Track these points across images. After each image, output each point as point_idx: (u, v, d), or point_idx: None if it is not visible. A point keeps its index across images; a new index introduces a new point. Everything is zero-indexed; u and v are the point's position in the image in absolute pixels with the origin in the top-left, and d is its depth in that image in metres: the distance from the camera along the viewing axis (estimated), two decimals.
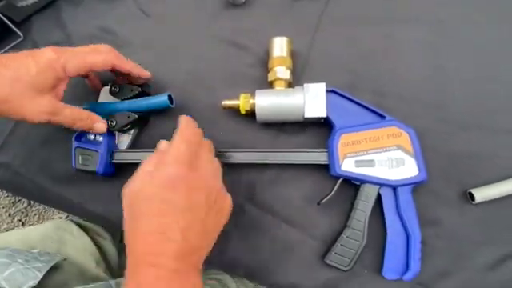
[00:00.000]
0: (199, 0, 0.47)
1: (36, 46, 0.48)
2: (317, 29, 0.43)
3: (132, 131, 0.42)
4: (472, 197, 0.36)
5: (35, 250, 0.38)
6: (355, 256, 0.35)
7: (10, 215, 1.32)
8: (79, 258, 0.43)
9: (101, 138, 0.40)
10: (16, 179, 0.45)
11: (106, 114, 0.40)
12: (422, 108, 0.39)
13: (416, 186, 0.35)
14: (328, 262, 0.35)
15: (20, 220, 1.32)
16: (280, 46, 0.40)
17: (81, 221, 0.51)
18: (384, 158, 0.34)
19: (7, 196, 1.33)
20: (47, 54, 0.33)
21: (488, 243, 0.35)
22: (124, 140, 0.42)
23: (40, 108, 0.34)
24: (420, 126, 0.38)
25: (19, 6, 0.47)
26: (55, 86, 0.35)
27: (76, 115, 0.36)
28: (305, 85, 0.37)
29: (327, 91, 0.37)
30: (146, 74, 0.40)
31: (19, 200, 1.33)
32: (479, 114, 0.38)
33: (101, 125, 0.38)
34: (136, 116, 0.39)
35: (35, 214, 1.32)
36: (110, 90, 0.40)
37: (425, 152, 0.37)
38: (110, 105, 0.41)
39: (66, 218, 1.10)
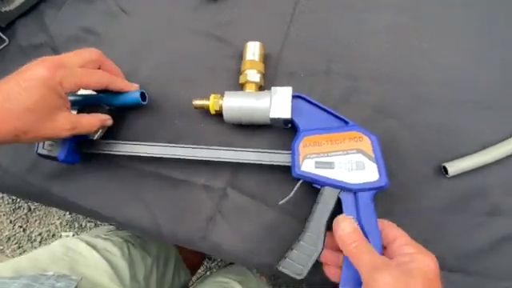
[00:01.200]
0: None
1: (21, 49, 0.49)
2: (292, 18, 0.45)
3: None
4: (446, 170, 0.37)
5: (50, 273, 0.39)
6: (311, 262, 0.32)
7: (10, 222, 1.34)
8: (93, 275, 0.44)
9: None
10: (7, 179, 0.46)
11: (80, 104, 0.41)
12: (395, 88, 0.41)
13: (377, 193, 0.34)
14: (280, 269, 0.33)
15: (21, 226, 1.33)
16: (252, 51, 0.41)
17: (87, 238, 0.51)
18: (344, 160, 0.34)
19: (8, 203, 1.35)
20: (39, 72, 0.32)
21: (462, 212, 0.37)
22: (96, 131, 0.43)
23: (60, 126, 0.34)
24: (394, 104, 0.40)
25: (3, 11, 0.48)
26: (61, 104, 0.35)
27: (92, 122, 0.38)
28: (272, 88, 0.38)
29: (294, 96, 0.38)
30: (135, 87, 0.41)
31: (19, 207, 1.35)
32: (451, 91, 0.40)
33: (109, 121, 0.40)
34: (107, 108, 0.40)
35: (36, 220, 1.34)
36: None
37: (400, 130, 0.39)
38: (85, 97, 0.42)
39: (73, 235, 1.11)
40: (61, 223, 1.32)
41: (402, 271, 0.26)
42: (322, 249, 0.33)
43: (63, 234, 0.57)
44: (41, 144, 0.40)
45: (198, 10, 0.47)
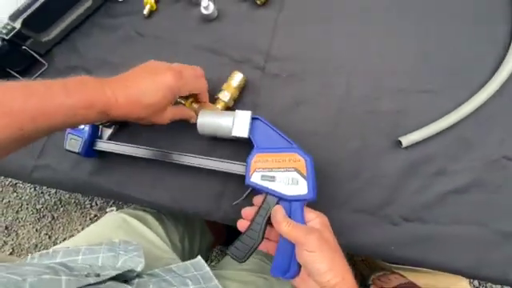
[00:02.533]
0: (182, 20, 0.59)
1: (59, 71, 0.61)
2: (274, 30, 0.55)
3: (113, 127, 0.54)
4: (401, 143, 0.47)
5: (116, 240, 0.47)
6: (250, 252, 0.40)
7: (36, 230, 1.43)
8: (143, 242, 0.52)
9: (86, 128, 0.51)
10: (56, 176, 0.57)
11: None
12: (358, 80, 0.51)
13: (306, 203, 0.41)
14: (227, 252, 0.41)
15: (46, 234, 1.43)
16: (236, 79, 0.51)
17: (130, 211, 0.61)
18: (283, 176, 0.41)
19: (32, 213, 1.45)
20: (168, 79, 0.42)
21: (414, 175, 0.47)
22: (107, 132, 0.54)
23: (166, 117, 0.45)
24: (358, 93, 0.50)
25: (43, 41, 0.59)
26: (172, 101, 0.45)
27: (183, 112, 0.48)
28: (236, 111, 0.46)
29: (254, 118, 0.46)
30: (209, 105, 0.51)
31: (44, 216, 1.44)
32: (402, 81, 0.50)
33: (194, 116, 0.49)
34: None
35: (59, 227, 1.43)
36: None
37: (363, 115, 0.49)
38: None
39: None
40: (83, 228, 1.41)
41: (316, 229, 0.38)
42: (261, 241, 0.40)
43: (108, 209, 0.67)
44: (67, 143, 0.52)
45: (198, 29, 0.58)
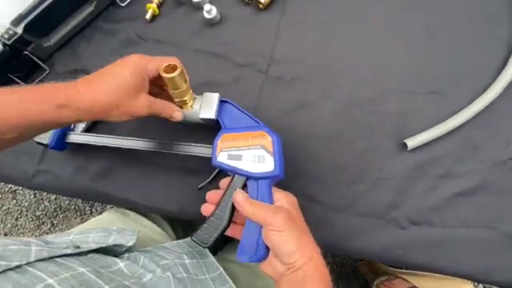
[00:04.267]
0: (185, 24, 0.59)
1: (59, 76, 0.60)
2: (276, 34, 0.55)
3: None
4: (406, 145, 0.47)
5: (113, 228, 0.46)
6: (216, 235, 0.38)
7: (36, 237, 1.43)
8: (143, 232, 0.52)
9: None
10: (58, 182, 0.56)
11: None
12: (363, 82, 0.51)
13: (274, 181, 0.41)
14: (193, 239, 0.40)
15: None
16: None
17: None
18: (249, 154, 0.40)
19: (32, 220, 1.44)
20: (132, 58, 0.40)
21: (421, 178, 0.46)
22: (80, 125, 0.53)
23: (142, 103, 0.40)
24: (362, 95, 0.50)
25: (45, 46, 0.59)
26: (144, 86, 0.41)
27: (163, 105, 0.43)
28: (204, 94, 0.45)
29: (222, 101, 0.45)
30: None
31: (43, 223, 1.43)
32: (405, 83, 0.50)
33: (178, 113, 0.44)
34: None
35: None
36: None
37: (368, 117, 0.48)
38: None
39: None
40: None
41: (283, 208, 0.37)
42: (228, 224, 0.39)
43: (108, 206, 0.67)
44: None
45: (200, 33, 0.58)
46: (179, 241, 0.46)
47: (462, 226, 0.44)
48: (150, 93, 0.42)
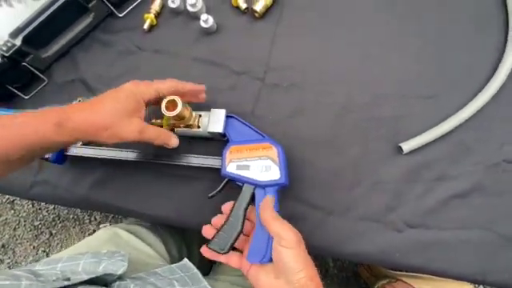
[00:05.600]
0: (182, 33, 0.59)
1: (58, 86, 0.60)
2: (272, 41, 0.56)
3: None
4: (401, 149, 0.48)
5: (104, 251, 0.46)
6: (232, 241, 0.41)
7: (34, 248, 1.41)
8: (135, 254, 0.52)
9: None
10: (56, 192, 0.57)
11: None
12: (358, 87, 0.52)
13: (280, 188, 0.44)
14: (209, 246, 0.42)
15: (44, 251, 1.40)
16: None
17: (123, 225, 0.60)
18: (257, 164, 0.44)
19: (30, 230, 1.42)
20: (128, 84, 0.42)
21: (416, 181, 0.47)
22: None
23: (132, 128, 0.41)
24: (357, 100, 0.51)
25: (43, 57, 0.60)
26: (139, 111, 0.42)
27: (157, 133, 0.44)
28: (212, 109, 0.49)
29: (228, 116, 0.49)
30: (201, 87, 0.48)
31: (41, 232, 1.42)
32: (399, 87, 0.51)
33: (174, 140, 0.46)
34: None
35: (57, 244, 1.41)
36: None
37: (363, 122, 0.49)
38: None
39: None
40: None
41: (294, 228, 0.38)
42: (241, 230, 0.41)
43: (101, 225, 0.66)
44: None
45: (198, 42, 0.59)
46: (172, 265, 0.46)
47: (457, 227, 0.45)
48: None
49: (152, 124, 0.49)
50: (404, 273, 0.74)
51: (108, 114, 0.39)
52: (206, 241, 0.42)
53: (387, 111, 0.50)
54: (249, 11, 0.58)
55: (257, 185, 0.43)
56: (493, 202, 0.46)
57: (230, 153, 0.46)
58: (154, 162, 0.50)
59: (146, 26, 0.60)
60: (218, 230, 0.42)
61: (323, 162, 0.50)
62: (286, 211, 0.48)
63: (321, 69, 0.54)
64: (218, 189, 0.46)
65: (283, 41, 0.56)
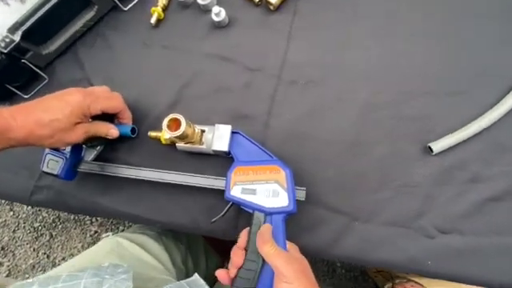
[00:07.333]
0: (191, 27, 0.56)
1: (60, 84, 0.57)
2: (289, 36, 0.53)
3: (98, 148, 0.51)
4: (431, 149, 0.45)
5: (105, 264, 0.44)
6: (256, 275, 0.37)
7: (34, 250, 1.38)
8: (139, 267, 0.50)
9: (68, 149, 0.49)
10: (59, 198, 0.53)
11: None
12: (383, 84, 0.48)
13: (287, 217, 0.40)
14: (235, 286, 0.38)
15: (45, 253, 1.38)
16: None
17: (127, 234, 0.58)
18: (263, 188, 0.41)
19: (29, 232, 1.40)
20: (76, 97, 0.42)
21: (447, 183, 0.44)
22: (90, 153, 0.51)
23: (78, 133, 0.43)
24: (382, 98, 0.48)
25: (44, 54, 0.56)
26: (83, 120, 0.44)
27: (98, 126, 0.46)
28: (216, 125, 0.46)
29: (233, 132, 0.45)
30: (129, 123, 0.51)
31: (42, 234, 1.40)
32: (427, 84, 0.48)
33: (113, 130, 0.48)
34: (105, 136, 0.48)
35: (58, 246, 1.39)
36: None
37: (390, 120, 0.46)
38: None
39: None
40: (82, 246, 1.36)
41: (295, 258, 0.38)
42: (263, 262, 0.37)
43: (103, 235, 0.63)
44: (45, 163, 0.49)
45: (208, 37, 0.56)
46: (182, 282, 0.44)
47: (493, 233, 0.42)
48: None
49: (149, 137, 0.50)
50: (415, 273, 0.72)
51: (50, 127, 0.40)
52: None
53: (414, 109, 0.47)
54: (263, 3, 0.54)
55: (262, 211, 0.40)
56: None
57: (235, 174, 0.42)
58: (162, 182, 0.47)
59: (152, 21, 0.56)
60: (241, 267, 0.38)
61: (346, 164, 0.47)
62: (306, 216, 0.46)
63: (341, 64, 0.50)
64: (222, 214, 0.43)
65: (300, 34, 0.53)
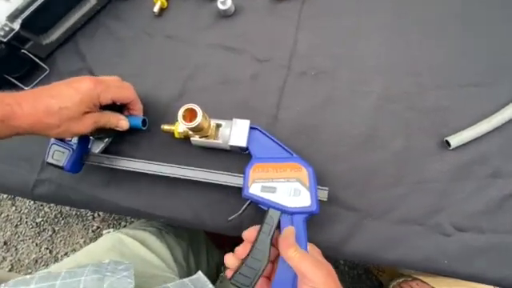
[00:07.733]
0: (196, 16, 0.54)
1: (61, 75, 0.55)
2: (298, 24, 0.51)
3: (106, 140, 0.49)
4: (449, 143, 0.43)
5: (106, 261, 0.43)
6: (257, 275, 0.36)
7: (36, 245, 1.38)
8: (140, 264, 0.49)
9: (74, 140, 0.46)
10: (60, 191, 0.52)
11: None
12: (394, 76, 0.46)
13: (309, 217, 0.38)
14: (233, 282, 0.36)
15: (47, 248, 1.38)
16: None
17: (128, 231, 0.56)
18: (284, 187, 0.39)
19: (32, 227, 1.39)
20: (86, 84, 0.40)
21: (466, 178, 0.42)
22: (98, 146, 0.49)
23: (87, 123, 0.41)
24: (396, 90, 0.46)
25: (44, 44, 0.54)
26: (93, 109, 0.41)
27: (108, 117, 0.44)
28: (234, 119, 0.43)
29: (252, 128, 0.43)
30: (140, 115, 0.48)
31: (44, 229, 1.39)
32: (443, 76, 0.46)
33: (123, 122, 0.45)
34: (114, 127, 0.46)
35: (61, 241, 1.38)
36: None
37: (405, 113, 0.44)
38: None
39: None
40: (84, 241, 1.36)
41: (323, 263, 0.36)
42: (267, 263, 0.36)
43: (104, 231, 0.61)
44: (50, 154, 0.46)
45: (214, 27, 0.53)
46: (185, 280, 0.42)
47: None
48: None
49: (162, 130, 0.47)
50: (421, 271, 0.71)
51: (58, 115, 0.38)
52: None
53: (431, 101, 0.45)
54: None
55: (284, 211, 0.38)
56: None
57: (254, 171, 0.40)
58: (173, 177, 0.45)
59: (155, 10, 0.55)
60: (242, 263, 0.36)
61: (359, 158, 0.45)
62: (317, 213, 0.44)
63: (354, 54, 0.48)
64: (240, 212, 0.41)
65: (309, 23, 0.51)
